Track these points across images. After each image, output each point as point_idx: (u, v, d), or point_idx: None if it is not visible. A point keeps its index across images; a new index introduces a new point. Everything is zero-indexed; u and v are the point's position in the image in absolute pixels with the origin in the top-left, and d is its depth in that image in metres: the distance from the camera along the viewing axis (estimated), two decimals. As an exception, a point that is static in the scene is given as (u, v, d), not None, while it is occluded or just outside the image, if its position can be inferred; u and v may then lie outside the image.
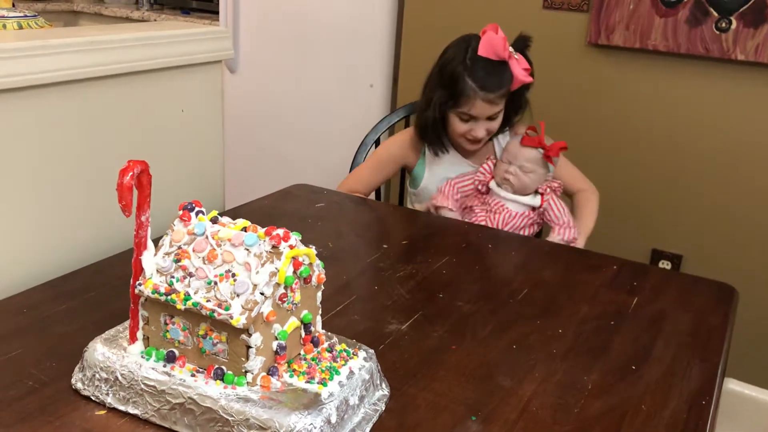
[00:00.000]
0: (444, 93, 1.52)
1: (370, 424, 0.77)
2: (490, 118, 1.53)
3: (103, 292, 1.03)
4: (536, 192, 1.55)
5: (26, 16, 1.32)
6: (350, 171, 1.74)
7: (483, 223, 1.53)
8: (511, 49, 1.50)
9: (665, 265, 2.06)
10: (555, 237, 1.52)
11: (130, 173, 0.72)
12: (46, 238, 1.14)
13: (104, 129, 1.19)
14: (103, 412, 0.76)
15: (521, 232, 1.54)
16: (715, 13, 1.81)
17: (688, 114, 1.94)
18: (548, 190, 1.54)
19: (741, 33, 1.79)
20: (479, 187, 1.58)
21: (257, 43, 2.58)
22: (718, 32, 1.82)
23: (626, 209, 2.04)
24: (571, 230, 1.53)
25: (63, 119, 1.13)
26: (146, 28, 1.29)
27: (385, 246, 1.29)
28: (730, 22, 1.80)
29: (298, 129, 2.58)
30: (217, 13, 2.70)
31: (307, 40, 2.48)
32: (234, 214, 1.36)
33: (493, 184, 1.56)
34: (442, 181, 1.61)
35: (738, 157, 1.90)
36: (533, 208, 1.55)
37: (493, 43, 1.46)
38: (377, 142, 1.77)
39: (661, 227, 2.04)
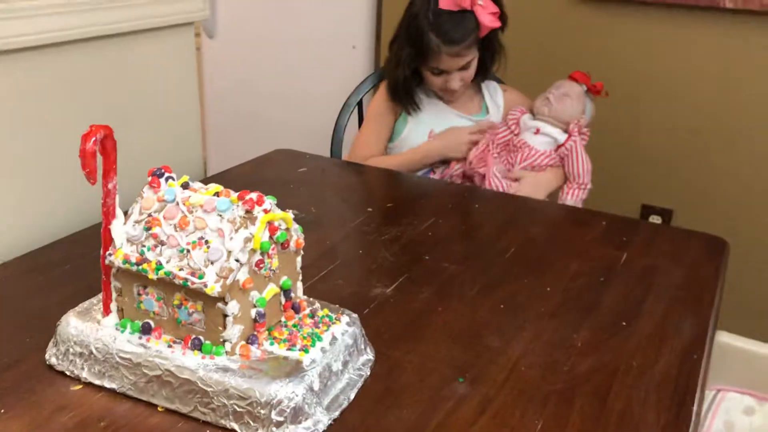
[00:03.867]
0: (410, 51, 1.51)
1: (355, 390, 0.75)
2: (463, 68, 1.52)
3: (80, 265, 1.00)
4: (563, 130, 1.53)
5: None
6: (333, 132, 1.70)
7: (494, 165, 1.50)
8: None
9: (656, 220, 2.04)
10: (565, 197, 1.50)
11: (93, 138, 0.68)
12: (20, 210, 1.11)
13: (76, 96, 1.15)
14: (79, 387, 0.74)
15: (535, 177, 1.51)
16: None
17: (676, 65, 1.90)
18: (576, 131, 1.51)
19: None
20: (513, 129, 1.54)
21: (236, 6, 2.52)
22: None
23: (615, 165, 2.02)
24: (581, 192, 1.50)
25: (31, 86, 1.08)
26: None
27: (369, 209, 1.27)
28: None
29: (280, 93, 2.53)
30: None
31: (287, 2, 2.42)
32: (215, 181, 1.33)
33: (525, 117, 1.55)
34: (425, 132, 1.58)
35: (726, 109, 1.87)
36: (557, 147, 1.52)
37: None
38: (360, 104, 1.73)
39: (650, 182, 2.02)
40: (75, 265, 1.00)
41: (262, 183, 1.35)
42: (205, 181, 1.29)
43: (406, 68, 1.52)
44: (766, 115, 1.83)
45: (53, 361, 0.76)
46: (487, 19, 1.47)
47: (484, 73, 1.60)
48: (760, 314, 1.91)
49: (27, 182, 1.11)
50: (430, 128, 1.59)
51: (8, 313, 0.87)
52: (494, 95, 1.64)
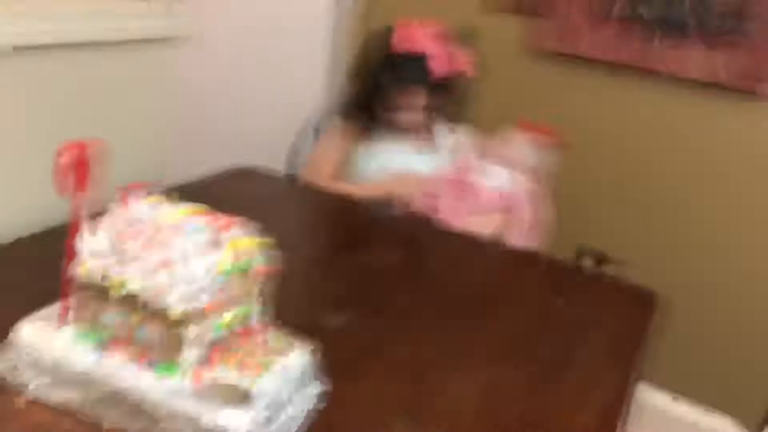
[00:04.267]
0: (367, 88, 1.57)
1: (299, 422, 0.77)
2: (413, 108, 1.57)
3: (29, 270, 0.98)
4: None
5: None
6: (289, 155, 1.72)
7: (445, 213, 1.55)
8: (436, 40, 1.52)
9: (588, 262, 2.14)
10: (509, 237, 1.56)
11: (68, 153, 0.69)
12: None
13: (48, 101, 1.14)
14: (25, 399, 0.73)
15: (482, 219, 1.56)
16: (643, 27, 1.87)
17: (615, 119, 2.01)
18: (524, 178, 1.57)
19: (665, 47, 1.85)
20: (462, 168, 1.60)
21: (206, 17, 2.50)
22: (644, 44, 1.88)
23: (555, 205, 2.11)
24: (527, 236, 1.56)
25: (5, 91, 1.07)
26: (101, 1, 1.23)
27: (325, 236, 1.29)
28: (654, 36, 1.86)
29: (239, 106, 2.52)
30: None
31: (253, 15, 2.42)
32: (173, 191, 1.33)
33: (473, 158, 1.60)
34: (379, 166, 1.62)
35: (663, 162, 1.99)
36: (503, 192, 1.57)
37: (409, 37, 1.51)
38: (317, 131, 1.76)
39: (586, 225, 2.12)
40: (31, 269, 0.98)
41: (218, 200, 1.33)
42: (168, 190, 1.30)
43: (363, 103, 1.59)
44: (700, 172, 1.95)
45: (1, 368, 0.76)
46: (442, 63, 1.53)
47: (437, 114, 1.65)
48: (688, 364, 2.02)
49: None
50: (384, 160, 1.62)
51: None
52: (445, 135, 1.70)
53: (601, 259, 2.12)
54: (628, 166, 2.02)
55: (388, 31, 1.54)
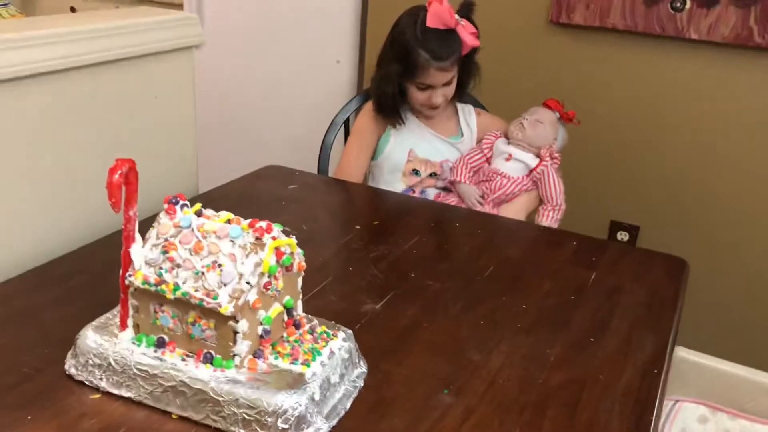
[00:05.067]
0: (399, 66, 1.59)
1: (351, 400, 0.82)
2: (446, 84, 1.61)
3: (87, 279, 1.06)
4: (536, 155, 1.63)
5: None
6: (320, 150, 1.77)
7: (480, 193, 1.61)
8: (457, 16, 1.58)
9: (623, 236, 2.15)
10: (540, 220, 1.60)
11: (119, 171, 0.75)
12: (27, 226, 1.16)
13: (79, 119, 1.21)
14: (97, 395, 0.80)
15: (512, 207, 1.60)
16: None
17: (644, 90, 2.01)
18: (548, 156, 1.61)
19: (695, 13, 1.86)
20: (487, 153, 1.65)
21: (221, 19, 2.57)
22: (673, 12, 1.89)
23: (586, 182, 2.12)
24: (555, 213, 1.59)
25: (38, 111, 1.14)
26: (115, 17, 1.30)
27: (357, 227, 1.34)
28: (685, 3, 1.87)
29: (265, 107, 2.59)
30: (178, -12, 2.67)
31: (271, 14, 2.48)
32: (208, 197, 1.40)
33: (498, 142, 1.64)
34: (405, 150, 1.67)
35: (692, 131, 1.98)
36: (529, 172, 1.61)
37: (439, 13, 1.55)
38: (347, 122, 1.81)
39: (619, 200, 2.13)
40: (81, 280, 1.06)
41: (253, 200, 1.42)
42: (200, 197, 1.37)
43: (393, 83, 1.62)
44: (727, 138, 1.95)
45: (73, 371, 0.82)
46: (469, 38, 1.58)
47: (461, 92, 1.70)
48: (717, 330, 2.03)
49: (33, 201, 1.17)
50: (410, 147, 1.67)
51: (23, 327, 0.93)
52: (469, 118, 1.74)
53: (636, 233, 2.14)
54: (658, 135, 2.03)
55: (417, 10, 1.58)
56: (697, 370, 1.43)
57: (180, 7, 2.67)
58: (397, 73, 1.60)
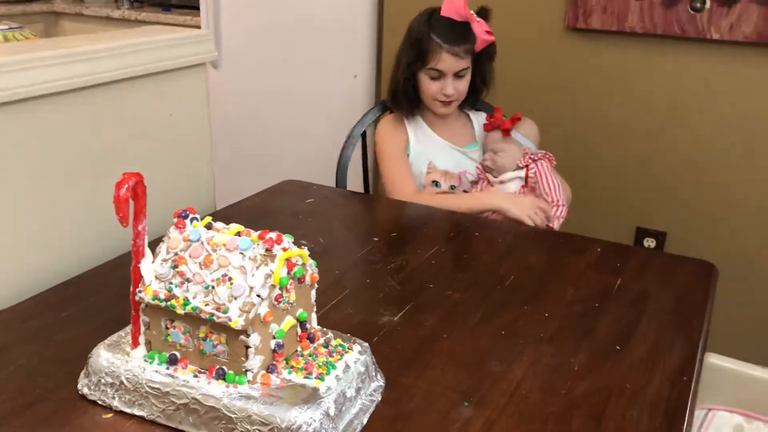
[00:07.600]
0: (412, 53, 1.61)
1: (368, 415, 0.80)
2: (458, 75, 1.60)
3: (101, 299, 1.05)
4: (519, 167, 1.61)
5: (11, 28, 1.34)
6: (338, 163, 1.76)
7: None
8: (472, 12, 1.59)
9: (650, 242, 2.10)
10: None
11: (126, 185, 0.74)
12: (41, 247, 1.17)
13: (94, 137, 1.22)
14: (110, 415, 0.79)
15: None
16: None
17: (667, 93, 1.97)
18: (530, 160, 1.60)
19: (715, 12, 1.82)
20: (483, 183, 1.66)
21: (239, 37, 2.59)
22: (692, 12, 1.85)
23: (610, 189, 2.08)
24: (559, 210, 1.56)
25: (53, 130, 1.15)
26: (129, 35, 1.31)
27: (375, 239, 1.32)
28: (704, 2, 1.83)
29: (283, 123, 2.60)
30: (197, 7, 2.70)
31: (288, 31, 2.49)
32: (225, 213, 1.39)
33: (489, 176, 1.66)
34: (424, 163, 1.65)
35: (716, 134, 1.94)
36: (524, 184, 1.60)
37: (453, 4, 1.57)
38: (364, 135, 1.80)
39: (644, 206, 2.08)
40: (95, 300, 1.05)
41: (272, 214, 1.41)
42: (217, 214, 1.36)
43: (406, 71, 1.62)
44: (753, 140, 1.90)
45: (86, 390, 0.81)
46: (483, 33, 1.59)
47: (474, 99, 1.69)
48: (748, 335, 1.96)
49: (46, 221, 1.17)
50: (429, 160, 1.65)
51: (37, 347, 0.93)
52: (481, 122, 1.71)
53: (663, 239, 2.09)
54: (683, 139, 1.98)
55: (433, 7, 1.61)
56: (730, 377, 1.38)
57: (197, 27, 2.70)
58: (409, 60, 1.61)
